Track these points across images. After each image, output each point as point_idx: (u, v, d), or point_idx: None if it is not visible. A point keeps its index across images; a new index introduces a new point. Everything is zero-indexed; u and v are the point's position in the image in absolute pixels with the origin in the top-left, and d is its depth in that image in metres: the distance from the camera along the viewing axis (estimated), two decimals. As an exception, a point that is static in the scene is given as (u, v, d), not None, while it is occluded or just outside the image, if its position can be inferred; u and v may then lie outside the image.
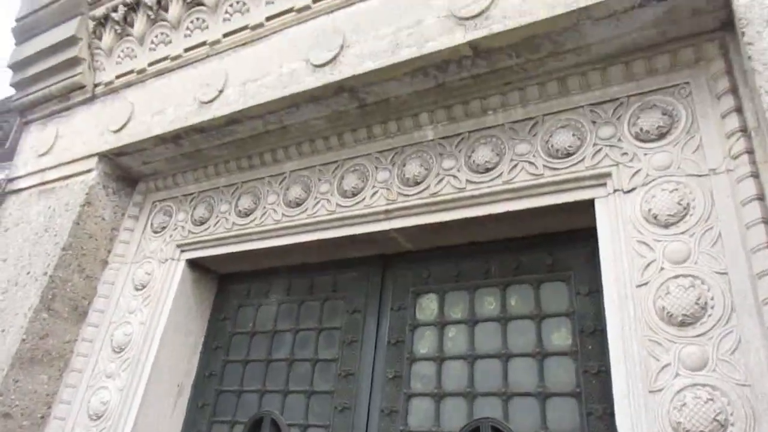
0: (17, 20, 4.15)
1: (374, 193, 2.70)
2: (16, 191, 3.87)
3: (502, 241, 2.58)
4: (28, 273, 3.30)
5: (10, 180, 3.94)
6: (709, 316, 1.83)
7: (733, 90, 2.05)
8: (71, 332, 3.25)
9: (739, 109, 2.01)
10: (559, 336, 2.35)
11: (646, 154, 2.14)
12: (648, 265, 1.97)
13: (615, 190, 2.14)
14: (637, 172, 2.12)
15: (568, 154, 2.29)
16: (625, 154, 2.18)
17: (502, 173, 2.40)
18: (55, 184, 3.65)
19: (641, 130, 2.17)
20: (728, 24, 2.08)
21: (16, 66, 4.05)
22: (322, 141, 2.96)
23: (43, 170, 3.76)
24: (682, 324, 1.85)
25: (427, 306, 2.69)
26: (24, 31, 4.08)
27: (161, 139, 3.25)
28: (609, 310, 2.01)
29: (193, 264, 3.29)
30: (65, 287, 3.25)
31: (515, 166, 2.39)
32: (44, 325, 3.14)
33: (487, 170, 2.44)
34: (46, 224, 3.46)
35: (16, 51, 4.10)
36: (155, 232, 3.45)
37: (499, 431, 2.29)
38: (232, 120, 2.98)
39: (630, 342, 1.91)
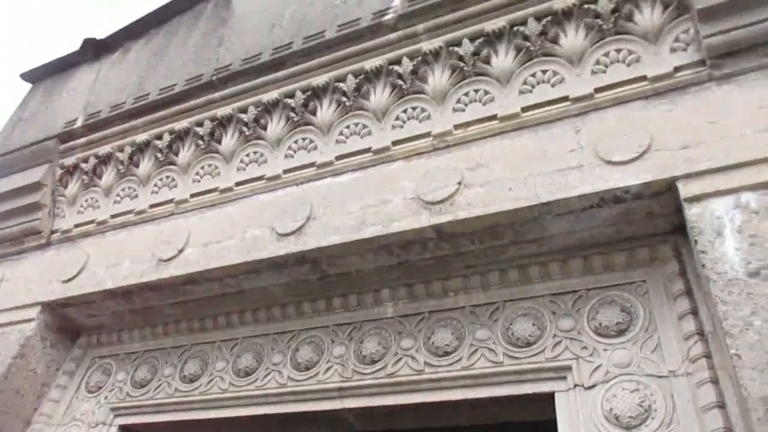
0: (-16, 161, 4.15)
1: (329, 368, 2.60)
2: (-55, 335, 3.62)
3: (458, 429, 2.46)
4: (-61, 430, 3.00)
5: (-59, 323, 3.70)
6: None
7: (688, 292, 2.10)
8: (-26, 503, 2.90)
9: (695, 312, 2.04)
10: None
11: (606, 350, 2.13)
12: (611, 470, 1.89)
13: (575, 385, 2.10)
14: (597, 367, 2.10)
15: (528, 344, 2.26)
16: (585, 348, 2.16)
17: (461, 358, 2.35)
18: (-11, 332, 3.43)
19: (600, 324, 2.18)
20: (681, 228, 2.17)
21: (-26, 206, 3.98)
22: (280, 309, 2.89)
23: (-21, 315, 3.55)
24: None
25: (375, 497, 2.50)
26: (-12, 173, 4.06)
27: (112, 294, 3.13)
28: None
29: (126, 431, 3.04)
30: (-22, 449, 2.94)
31: (475, 351, 2.34)
32: (-56, 493, 2.80)
33: (447, 354, 2.39)
34: (-29, 375, 3.20)
35: (-24, 191, 4.04)
36: (90, 392, 3.21)
37: None
38: (190, 280, 2.91)
39: None
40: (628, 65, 2.38)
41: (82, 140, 3.80)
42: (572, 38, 2.50)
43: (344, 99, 2.93)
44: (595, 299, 2.26)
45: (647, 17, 2.38)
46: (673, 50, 2.33)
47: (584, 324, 2.22)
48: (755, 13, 2.13)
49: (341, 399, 2.51)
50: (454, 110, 2.67)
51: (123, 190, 3.53)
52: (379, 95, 2.85)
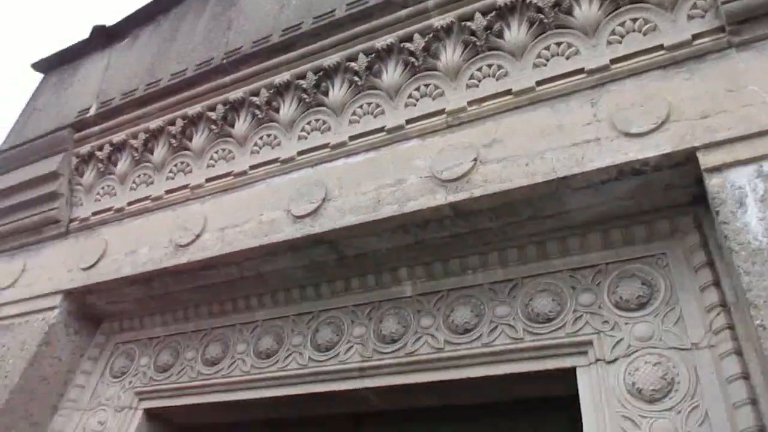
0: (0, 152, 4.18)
1: (349, 349, 2.61)
2: (-30, 325, 3.68)
3: (479, 406, 2.47)
4: (-31, 417, 3.06)
5: (-34, 313, 3.76)
6: (702, 504, 1.72)
7: (710, 263, 2.07)
8: (7, 487, 2.96)
9: (717, 283, 2.02)
10: None
11: (627, 324, 2.11)
12: (634, 443, 1.88)
13: (597, 360, 2.09)
14: (618, 341, 2.09)
15: (549, 320, 2.25)
16: (606, 322, 2.15)
17: (481, 335, 2.35)
18: (13, 320, 3.48)
19: (621, 298, 2.16)
20: (701, 199, 2.13)
21: (-8, 197, 4.02)
22: (298, 291, 2.90)
23: (2, 305, 3.60)
24: None
25: (397, 473, 2.52)
26: (5, 164, 4.09)
27: (132, 280, 3.16)
28: (595, 492, 1.89)
29: (151, 414, 3.08)
30: (8, 435, 3.00)
31: (495, 328, 2.34)
32: (-23, 478, 2.86)
33: (466, 331, 2.38)
34: (-2, 363, 3.26)
35: (-6, 182, 4.08)
36: (114, 377, 3.26)
37: None
38: (208, 265, 2.93)
39: None
40: (645, 34, 2.34)
41: (96, 129, 3.81)
42: (586, 9, 2.45)
43: (356, 78, 2.91)
44: (615, 273, 2.25)
45: (664, -16, 2.32)
46: (690, 18, 2.27)
47: (604, 298, 2.21)
48: (776, -23, 2.07)
49: (362, 379, 2.53)
50: (468, 86, 2.63)
51: (139, 176, 3.54)
52: (391, 73, 2.82)
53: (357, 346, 2.60)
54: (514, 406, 2.42)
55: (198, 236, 3.00)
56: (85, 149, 3.78)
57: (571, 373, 2.15)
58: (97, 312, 3.47)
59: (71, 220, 3.73)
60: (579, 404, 2.11)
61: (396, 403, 2.61)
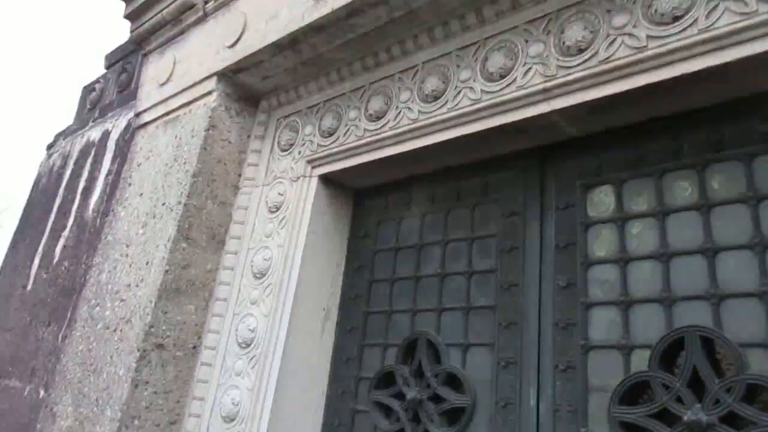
0: (123, -52, 4.00)
1: (527, 71, 2.26)
2: (143, 125, 3.79)
3: (695, 111, 2.06)
4: (164, 204, 3.21)
5: (137, 115, 3.87)
6: None
7: None
8: (212, 261, 3.15)
9: None
10: (786, 221, 1.84)
11: None
12: None
13: None
14: None
15: (795, -21, 1.72)
16: None
17: (697, 19, 1.87)
18: (178, 112, 3.51)
19: None
20: None
21: (128, -5, 3.92)
22: (457, 21, 2.52)
23: (165, 100, 3.64)
24: None
25: (601, 201, 2.25)
26: (130, -41, 3.92)
27: (278, 47, 2.96)
28: None
29: (326, 180, 3.03)
30: (200, 215, 3.13)
31: (715, 7, 1.84)
32: (184, 255, 3.04)
33: (675, 19, 1.91)
34: (175, 153, 3.34)
35: (126, -20, 3.96)
36: (283, 150, 3.23)
37: (711, 341, 1.86)
38: (353, 10, 2.61)
39: None
40: None
41: None
42: None
43: None
44: None
45: None
46: None
47: None
48: None
49: (547, 101, 2.20)
50: None
51: (260, -64, 3.20)
52: None
53: (536, 66, 2.23)
54: (745, 104, 1.97)
55: (337, -20, 2.67)
56: None
57: (829, 42, 1.66)
58: (253, 91, 3.38)
59: (206, 2, 3.54)
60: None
61: (589, 125, 2.27)
